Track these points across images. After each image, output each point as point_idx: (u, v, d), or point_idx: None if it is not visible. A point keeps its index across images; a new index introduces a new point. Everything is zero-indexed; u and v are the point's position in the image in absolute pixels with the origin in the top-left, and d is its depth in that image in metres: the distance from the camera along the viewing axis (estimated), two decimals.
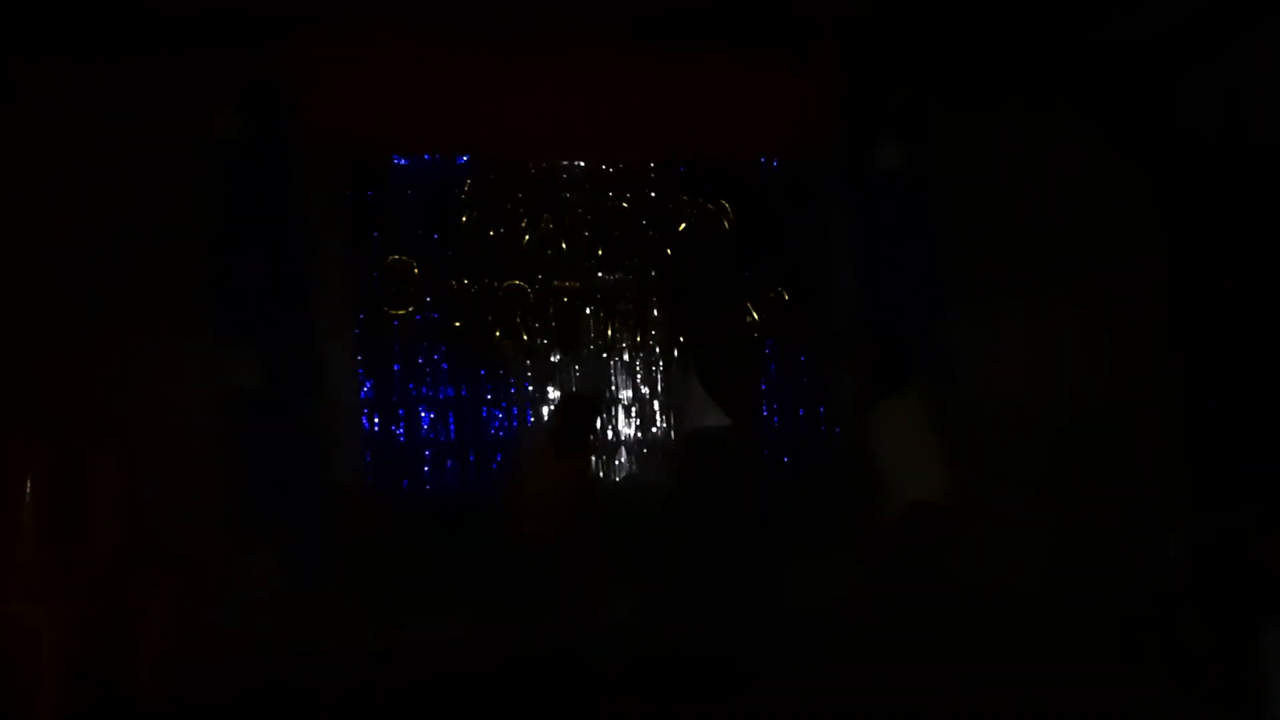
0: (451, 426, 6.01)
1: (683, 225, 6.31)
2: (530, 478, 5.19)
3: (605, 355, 6.21)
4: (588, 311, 6.20)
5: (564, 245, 6.19)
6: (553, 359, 6.13)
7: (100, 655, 4.33)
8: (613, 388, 6.21)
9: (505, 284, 6.09)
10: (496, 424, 6.06)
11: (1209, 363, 6.34)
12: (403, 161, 6.03)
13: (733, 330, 5.62)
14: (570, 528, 5.05)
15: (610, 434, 6.19)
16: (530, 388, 6.11)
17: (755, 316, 6.29)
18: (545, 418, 5.94)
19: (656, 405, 6.25)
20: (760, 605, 4.60)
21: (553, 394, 6.07)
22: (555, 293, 6.17)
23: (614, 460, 6.19)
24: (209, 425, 5.47)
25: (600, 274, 6.24)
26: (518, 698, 4.56)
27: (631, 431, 6.21)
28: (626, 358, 6.24)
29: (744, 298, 6.29)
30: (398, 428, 5.93)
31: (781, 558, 4.95)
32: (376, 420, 5.91)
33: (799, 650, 4.95)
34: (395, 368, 5.94)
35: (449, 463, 5.99)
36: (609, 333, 6.22)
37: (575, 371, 6.15)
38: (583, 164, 6.25)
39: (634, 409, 6.22)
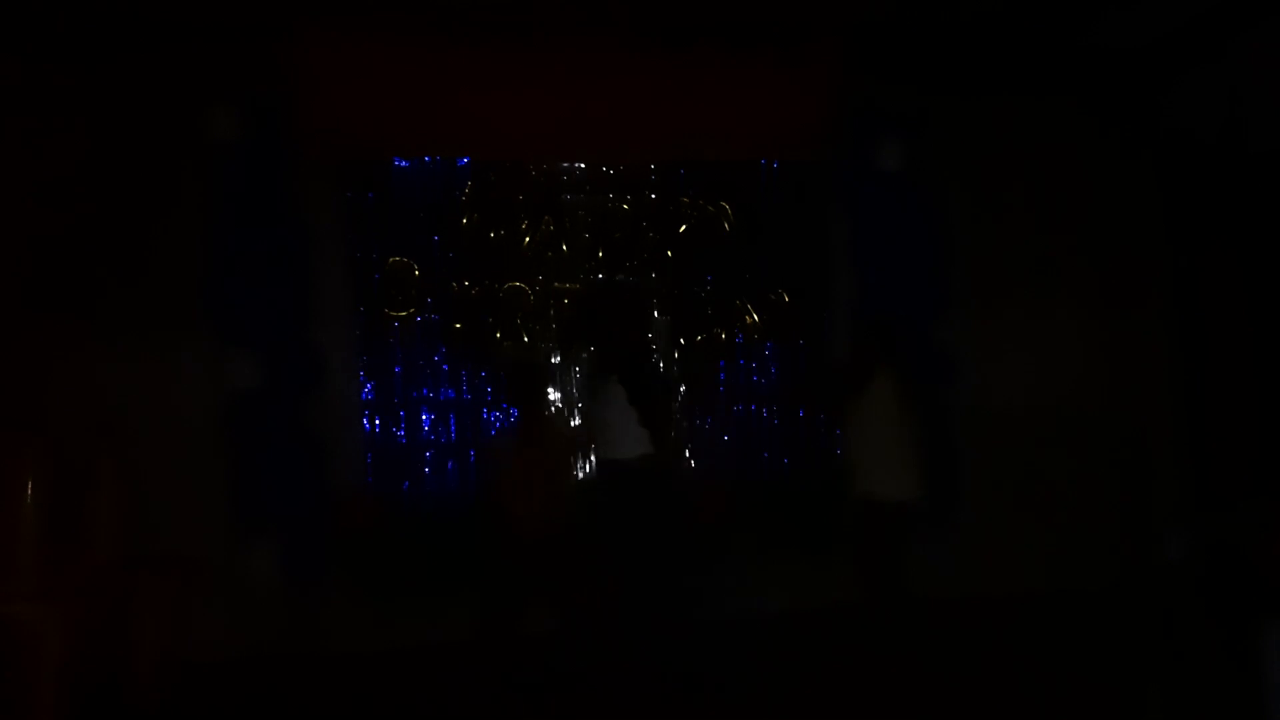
0: (452, 428, 6.01)
1: (683, 227, 6.31)
2: (506, 460, 5.12)
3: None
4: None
5: (564, 247, 6.20)
6: (553, 361, 6.13)
7: (100, 655, 4.33)
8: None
9: (506, 285, 6.10)
10: (497, 425, 6.06)
11: (1209, 363, 6.34)
12: (403, 163, 6.03)
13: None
14: (553, 509, 5.00)
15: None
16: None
17: (755, 318, 6.29)
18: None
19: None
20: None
21: (552, 395, 6.07)
22: (556, 294, 6.17)
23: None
24: (210, 427, 5.47)
25: (600, 276, 6.24)
26: (517, 698, 4.56)
27: None
28: None
29: (743, 299, 6.30)
30: (398, 429, 5.93)
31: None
32: (377, 421, 5.91)
33: (799, 653, 4.96)
34: (396, 369, 5.95)
35: (450, 464, 5.99)
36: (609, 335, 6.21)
37: (575, 373, 6.15)
38: (583, 166, 6.25)
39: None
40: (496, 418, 6.04)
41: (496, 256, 6.11)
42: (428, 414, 5.99)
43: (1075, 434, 6.31)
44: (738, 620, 5.56)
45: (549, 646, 4.82)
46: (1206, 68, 6.22)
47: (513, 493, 4.94)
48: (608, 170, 6.28)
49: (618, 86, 5.83)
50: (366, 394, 5.90)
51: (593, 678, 4.63)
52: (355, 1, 5.45)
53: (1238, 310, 6.14)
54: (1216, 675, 4.03)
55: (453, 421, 6.02)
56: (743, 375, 6.32)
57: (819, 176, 6.27)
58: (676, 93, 5.83)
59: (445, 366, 6.03)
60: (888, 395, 5.02)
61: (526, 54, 5.71)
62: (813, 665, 4.84)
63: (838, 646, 5.10)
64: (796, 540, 5.95)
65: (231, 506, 5.46)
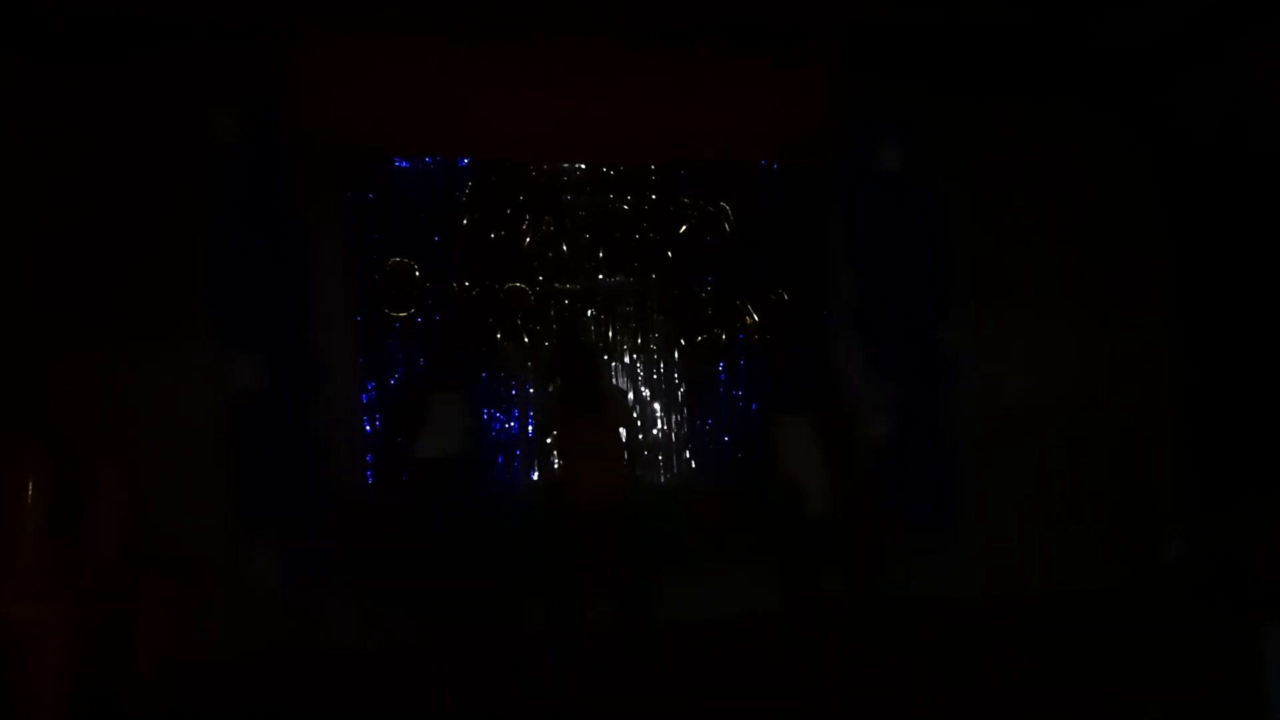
0: None
1: (683, 227, 6.31)
2: (560, 440, 5.27)
3: (606, 357, 6.20)
4: (589, 313, 6.20)
5: (564, 247, 6.20)
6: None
7: (101, 656, 4.33)
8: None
9: (506, 286, 6.10)
10: (497, 425, 6.06)
11: (1209, 363, 6.34)
12: (403, 164, 6.04)
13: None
14: (609, 493, 5.05)
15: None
16: (531, 389, 6.12)
17: (755, 317, 6.29)
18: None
19: (657, 406, 6.26)
20: None
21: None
22: (556, 295, 6.17)
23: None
24: (211, 427, 5.47)
25: (601, 276, 6.24)
26: (516, 697, 4.57)
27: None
28: (627, 359, 6.24)
29: (743, 299, 6.31)
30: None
31: None
32: (378, 421, 5.91)
33: (800, 654, 4.96)
34: (397, 369, 5.94)
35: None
36: (610, 335, 6.22)
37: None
38: (583, 166, 6.25)
39: (635, 409, 6.22)
40: (498, 418, 6.05)
41: (497, 257, 6.11)
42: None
43: (1075, 434, 6.31)
44: (737, 620, 5.58)
45: (550, 645, 4.83)
46: (1206, 68, 6.22)
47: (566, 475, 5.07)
48: (608, 171, 6.28)
49: (618, 86, 5.83)
50: (367, 394, 5.90)
51: (592, 677, 4.65)
52: (355, 1, 5.46)
53: (1238, 310, 6.14)
54: (1216, 675, 4.03)
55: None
56: (743, 375, 6.32)
57: (819, 177, 6.27)
58: (676, 93, 5.82)
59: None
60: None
61: (526, 54, 5.71)
62: (813, 666, 4.83)
63: (838, 647, 5.09)
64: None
65: (232, 507, 5.46)
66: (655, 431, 6.24)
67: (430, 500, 5.26)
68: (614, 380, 6.12)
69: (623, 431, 5.34)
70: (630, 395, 6.13)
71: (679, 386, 6.30)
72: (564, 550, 4.99)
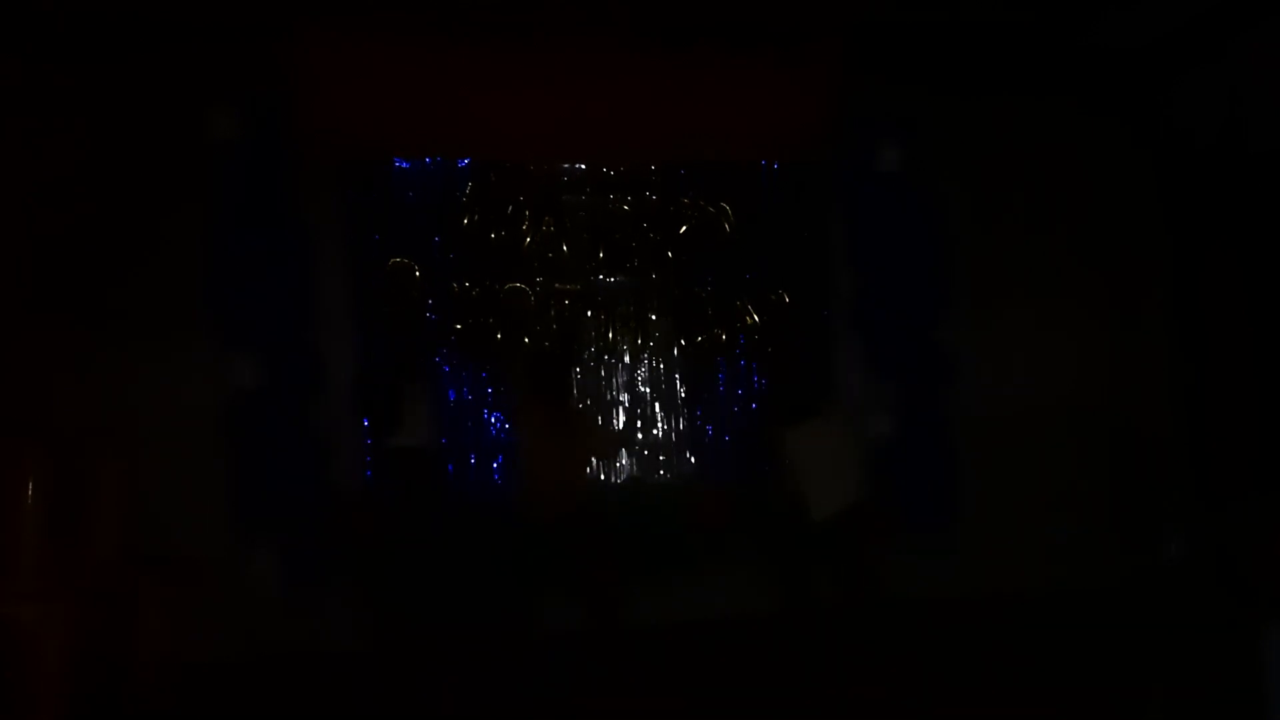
0: (453, 429, 6.00)
1: (683, 227, 6.31)
2: (526, 440, 5.29)
3: (606, 357, 6.21)
4: (589, 314, 6.20)
5: (565, 247, 6.20)
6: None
7: (101, 656, 4.33)
8: (614, 390, 6.21)
9: (506, 286, 6.10)
10: (497, 426, 6.06)
11: (1209, 363, 6.34)
12: (404, 164, 6.04)
13: None
14: (572, 494, 5.05)
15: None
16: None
17: (755, 318, 6.29)
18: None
19: (658, 406, 6.26)
20: None
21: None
22: (556, 295, 6.17)
23: (615, 460, 6.18)
24: (211, 427, 5.47)
25: (601, 276, 6.24)
26: (516, 697, 4.57)
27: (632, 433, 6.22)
28: (627, 359, 6.25)
29: (743, 299, 6.31)
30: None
31: None
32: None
33: (799, 653, 4.97)
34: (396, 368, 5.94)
35: (450, 465, 5.98)
36: (610, 335, 6.22)
37: (576, 373, 6.14)
38: (583, 166, 6.25)
39: (635, 410, 6.23)
40: (497, 419, 6.06)
41: (497, 257, 6.11)
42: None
43: (1075, 434, 6.31)
44: (737, 620, 5.58)
45: (551, 645, 4.84)
46: (1206, 68, 6.22)
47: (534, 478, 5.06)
48: (608, 171, 6.28)
49: (618, 86, 5.83)
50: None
51: (592, 677, 4.65)
52: (355, 1, 5.46)
53: (1238, 310, 6.14)
54: (1216, 675, 4.03)
55: (453, 422, 6.01)
56: (744, 375, 6.32)
57: (819, 177, 6.27)
58: (676, 93, 5.82)
59: (445, 367, 6.03)
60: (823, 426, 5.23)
61: (526, 54, 5.71)
62: (813, 666, 4.84)
63: (838, 647, 5.10)
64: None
65: (232, 507, 5.46)
66: (656, 431, 6.25)
67: (421, 497, 5.27)
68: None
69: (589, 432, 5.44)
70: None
71: (679, 387, 6.30)
72: (561, 551, 5.00)
